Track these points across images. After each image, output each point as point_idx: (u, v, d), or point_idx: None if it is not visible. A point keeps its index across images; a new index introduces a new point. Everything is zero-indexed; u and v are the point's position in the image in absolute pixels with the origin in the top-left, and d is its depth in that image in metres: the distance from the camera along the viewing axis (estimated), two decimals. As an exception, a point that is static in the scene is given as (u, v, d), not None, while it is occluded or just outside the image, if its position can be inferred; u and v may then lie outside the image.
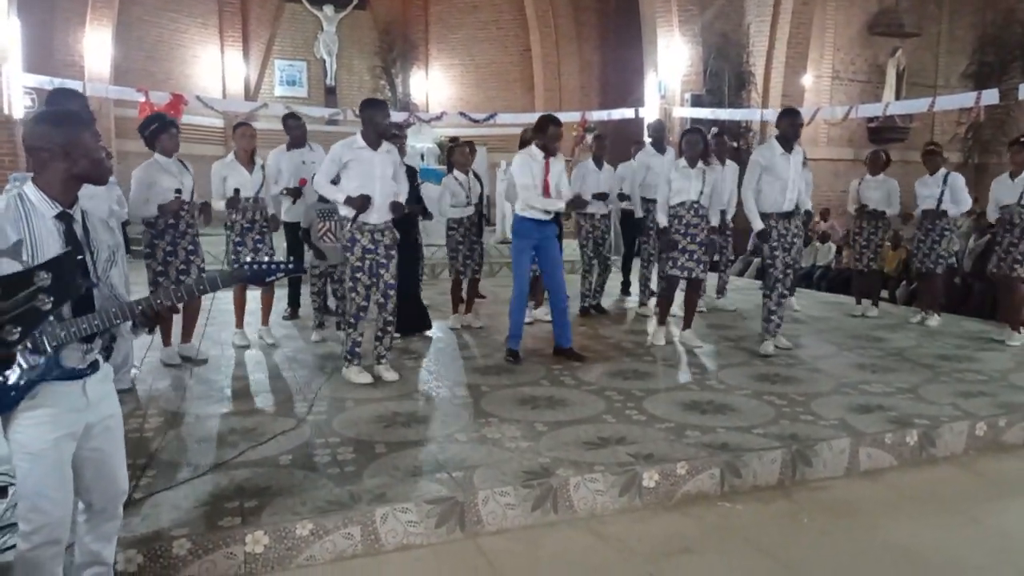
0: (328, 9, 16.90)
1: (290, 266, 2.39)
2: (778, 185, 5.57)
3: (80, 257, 2.13)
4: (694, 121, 12.61)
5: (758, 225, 5.59)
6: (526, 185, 5.28)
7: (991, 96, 10.03)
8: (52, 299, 1.91)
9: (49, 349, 2.04)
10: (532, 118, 15.13)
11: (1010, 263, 6.10)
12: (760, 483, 3.61)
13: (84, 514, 2.31)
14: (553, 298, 5.42)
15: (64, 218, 2.12)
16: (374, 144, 4.65)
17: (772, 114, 6.32)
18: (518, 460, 3.45)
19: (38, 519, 2.07)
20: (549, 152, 5.26)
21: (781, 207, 5.61)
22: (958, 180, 6.70)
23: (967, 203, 6.78)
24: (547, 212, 5.27)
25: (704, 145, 5.87)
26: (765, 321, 5.72)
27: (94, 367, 2.18)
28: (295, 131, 6.29)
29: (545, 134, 5.26)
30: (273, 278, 2.37)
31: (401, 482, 3.20)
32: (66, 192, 2.12)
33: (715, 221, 5.97)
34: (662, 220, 5.84)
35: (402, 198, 4.81)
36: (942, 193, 6.63)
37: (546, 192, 5.25)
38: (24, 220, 2.05)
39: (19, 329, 1.88)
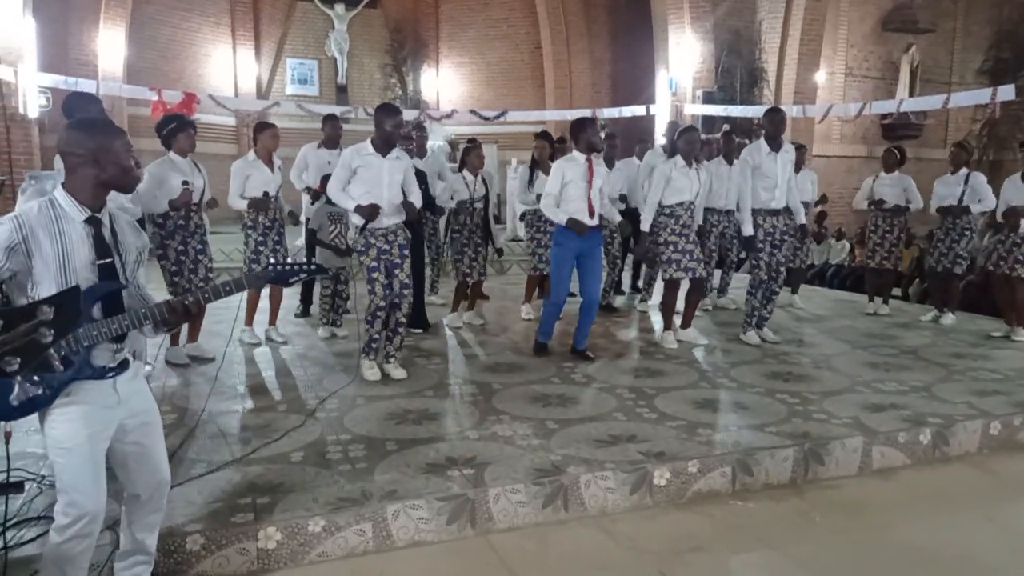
0: (339, 7, 16.93)
1: (312, 267, 2.45)
2: (766, 183, 5.67)
3: (109, 260, 2.20)
4: (706, 118, 12.59)
5: (748, 230, 5.69)
6: (548, 193, 5.22)
7: (1007, 92, 9.94)
8: (53, 332, 2.03)
9: (81, 351, 2.12)
10: (543, 115, 15.20)
11: (1011, 263, 6.08)
12: (772, 481, 3.59)
13: (128, 505, 2.39)
14: (585, 306, 5.32)
15: (93, 223, 2.19)
16: (383, 150, 4.65)
17: (784, 111, 6.39)
18: (529, 457, 3.46)
19: (75, 512, 2.15)
20: (595, 149, 5.22)
21: (769, 204, 5.70)
22: (980, 179, 6.64)
23: (992, 201, 6.55)
24: (590, 218, 5.16)
25: (699, 144, 5.86)
26: (747, 316, 5.93)
27: (124, 365, 2.26)
28: (331, 132, 6.39)
29: (587, 132, 5.16)
30: (297, 279, 2.42)
31: (412, 479, 3.21)
32: (95, 197, 2.20)
33: (699, 222, 5.93)
34: (646, 224, 5.71)
35: (416, 202, 4.81)
36: (963, 192, 6.58)
37: (589, 196, 5.14)
38: (55, 225, 2.13)
39: (18, 360, 2.00)
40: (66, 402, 2.14)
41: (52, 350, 2.05)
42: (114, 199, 4.28)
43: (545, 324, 5.42)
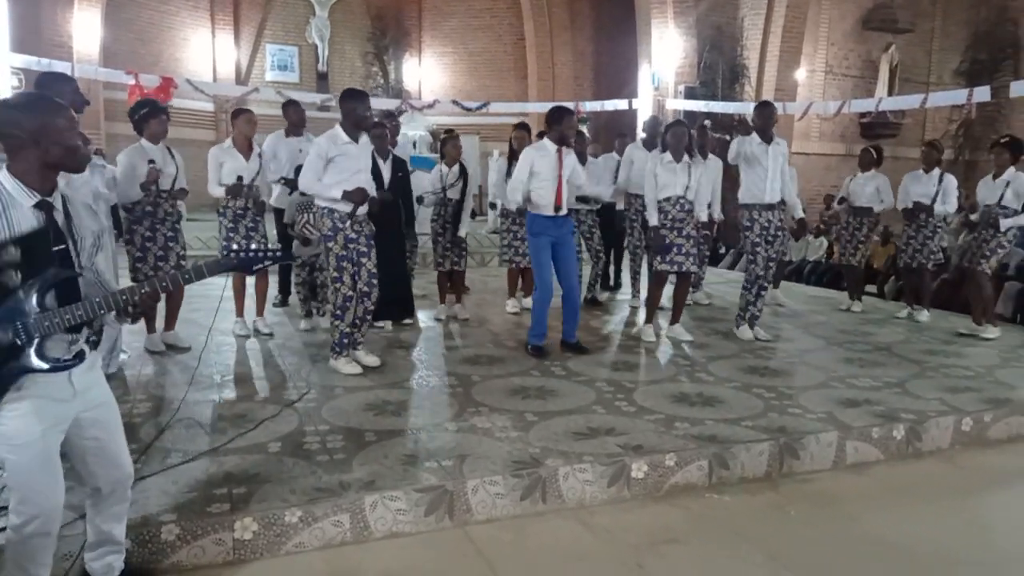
0: (321, -6, 16.79)
1: (278, 254, 2.35)
2: (758, 174, 5.68)
3: (63, 247, 2.08)
4: (687, 113, 12.64)
5: (654, 220, 5.58)
6: (516, 178, 5.23)
7: (983, 93, 10.10)
8: (20, 275, 1.93)
9: (34, 340, 2.02)
10: (525, 107, 15.21)
11: (978, 258, 6.20)
12: (748, 475, 3.63)
13: (91, 498, 2.33)
14: (566, 296, 5.31)
15: (43, 206, 2.06)
16: (355, 137, 4.61)
17: (774, 105, 6.49)
18: (508, 450, 3.46)
19: (28, 510, 2.07)
20: (565, 142, 5.17)
21: (763, 199, 5.69)
22: (952, 181, 6.78)
23: (955, 205, 6.88)
24: (556, 208, 5.14)
25: (689, 139, 5.85)
26: (741, 310, 5.95)
27: (80, 357, 2.15)
28: (294, 117, 6.28)
29: (561, 124, 5.14)
30: (260, 266, 2.32)
31: (391, 470, 3.20)
32: (43, 180, 2.06)
33: (703, 216, 5.85)
34: (652, 219, 5.66)
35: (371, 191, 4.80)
36: (937, 192, 6.68)
37: (559, 186, 5.12)
38: (1, 212, 2.00)
39: None
40: (17, 396, 2.03)
41: (15, 304, 1.96)
42: (87, 182, 4.23)
43: (537, 324, 5.28)
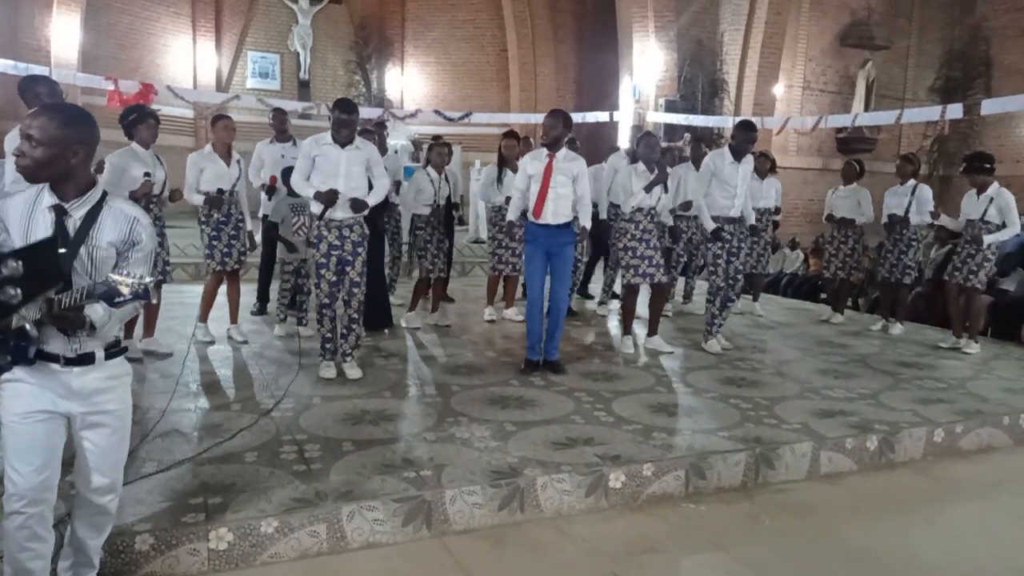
0: (303, 2, 16.75)
1: (146, 291, 1.97)
2: (726, 191, 5.75)
3: (62, 251, 2.07)
4: (667, 126, 12.77)
5: (710, 225, 5.76)
6: (515, 188, 5.14)
7: (955, 110, 10.30)
8: (21, 292, 1.81)
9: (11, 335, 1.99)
10: (507, 118, 15.25)
11: (966, 273, 6.27)
12: (724, 485, 3.66)
13: (76, 498, 2.35)
14: (551, 309, 5.11)
15: (57, 211, 2.11)
16: (340, 141, 4.61)
17: (757, 130, 6.49)
18: (486, 459, 3.46)
19: (9, 487, 2.13)
20: (553, 146, 4.98)
21: (728, 212, 5.77)
22: (926, 192, 6.87)
23: (927, 215, 6.94)
24: (536, 217, 4.99)
25: (659, 149, 5.88)
26: (708, 324, 5.99)
27: (86, 359, 2.16)
28: (278, 125, 6.35)
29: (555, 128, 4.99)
30: (122, 300, 1.95)
31: (368, 480, 3.19)
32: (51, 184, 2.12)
33: (669, 221, 5.95)
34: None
35: (382, 192, 4.79)
36: (909, 203, 6.79)
37: (542, 191, 4.92)
38: (31, 211, 2.10)
39: None
40: (12, 377, 2.10)
41: (24, 313, 1.89)
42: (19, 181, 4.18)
43: (531, 335, 5.08)
